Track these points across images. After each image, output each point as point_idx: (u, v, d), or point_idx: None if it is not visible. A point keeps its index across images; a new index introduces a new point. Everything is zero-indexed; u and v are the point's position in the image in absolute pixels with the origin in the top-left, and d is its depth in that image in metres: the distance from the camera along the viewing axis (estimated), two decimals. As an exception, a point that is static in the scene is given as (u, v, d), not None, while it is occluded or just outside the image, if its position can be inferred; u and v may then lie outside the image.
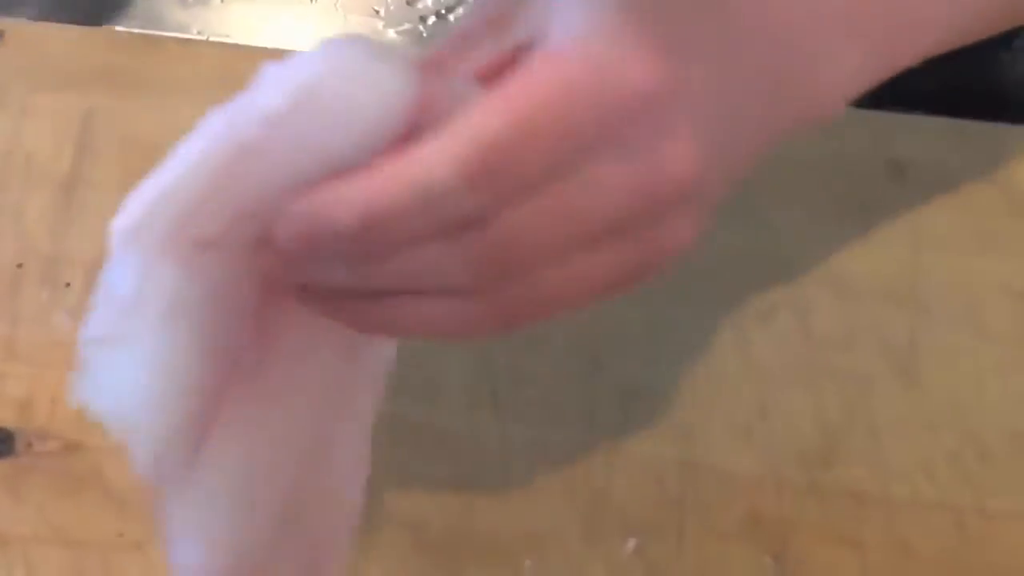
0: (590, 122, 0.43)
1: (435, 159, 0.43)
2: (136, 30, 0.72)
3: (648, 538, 0.59)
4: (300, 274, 0.47)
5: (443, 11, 0.77)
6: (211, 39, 0.72)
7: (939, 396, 0.62)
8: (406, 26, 0.78)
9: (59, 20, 0.73)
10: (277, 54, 0.68)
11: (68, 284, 0.65)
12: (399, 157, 0.43)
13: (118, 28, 0.72)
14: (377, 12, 0.80)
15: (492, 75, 0.46)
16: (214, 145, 0.47)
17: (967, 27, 0.56)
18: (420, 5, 0.78)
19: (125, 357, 0.47)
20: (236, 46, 0.71)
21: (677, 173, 0.45)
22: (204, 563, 0.49)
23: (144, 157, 0.67)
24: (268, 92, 0.47)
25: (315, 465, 0.52)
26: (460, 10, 0.78)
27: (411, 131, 0.44)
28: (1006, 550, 0.58)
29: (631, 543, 0.58)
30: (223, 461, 0.49)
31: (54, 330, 0.64)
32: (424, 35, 0.77)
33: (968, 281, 0.64)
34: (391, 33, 0.77)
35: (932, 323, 0.63)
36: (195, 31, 0.73)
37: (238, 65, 0.69)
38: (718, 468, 0.60)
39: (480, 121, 0.43)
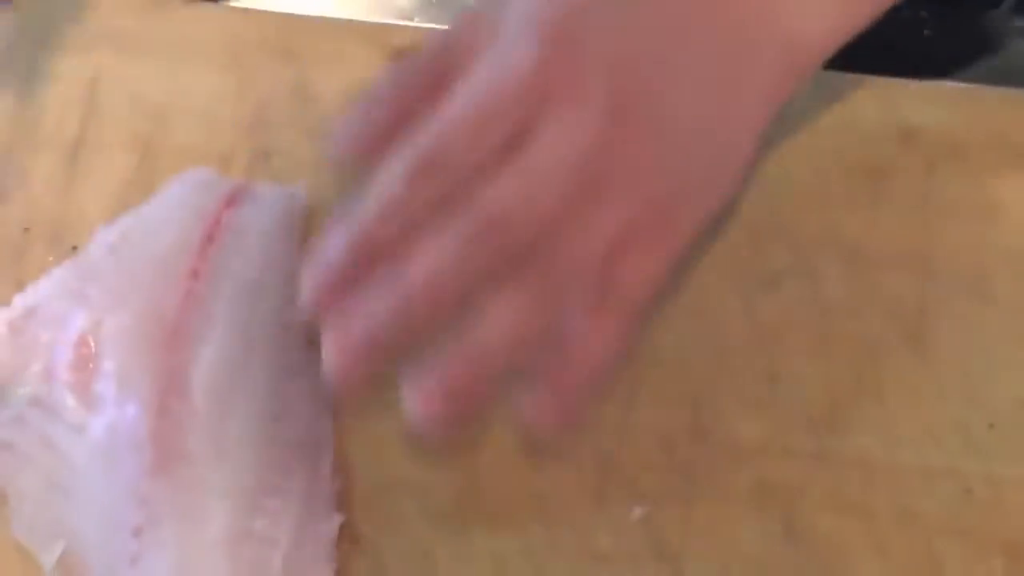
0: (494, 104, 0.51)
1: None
2: (143, -7, 0.72)
3: (656, 505, 0.59)
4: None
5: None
6: (219, 2, 0.71)
7: (948, 363, 0.62)
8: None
9: (66, -18, 0.72)
10: (284, 18, 0.68)
11: (75, 247, 0.65)
12: None
13: (125, -10, 0.71)
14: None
15: None
16: None
17: None
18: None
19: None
20: (244, 9, 0.71)
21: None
22: None
23: (151, 120, 0.67)
24: None
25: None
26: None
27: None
28: (1014, 517, 0.58)
29: (639, 510, 0.58)
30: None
31: (60, 294, 0.64)
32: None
33: (978, 248, 0.64)
34: (401, -3, 0.77)
35: (941, 290, 0.63)
36: (202, -7, 0.72)
37: (245, 28, 0.69)
38: (726, 435, 0.60)
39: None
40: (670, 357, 0.62)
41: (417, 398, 0.50)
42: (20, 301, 0.63)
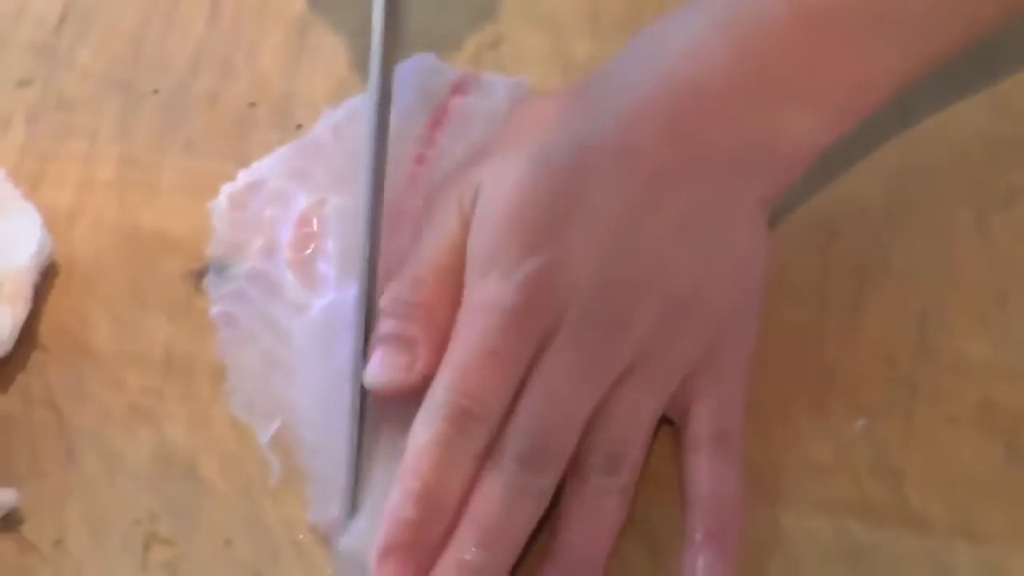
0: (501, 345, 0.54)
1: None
2: None
3: (877, 418, 0.58)
4: None
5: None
6: None
7: None
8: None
9: None
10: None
11: (299, 126, 0.65)
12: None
13: None
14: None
15: None
16: None
17: (921, 66, 0.59)
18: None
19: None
20: None
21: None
22: None
23: (380, 3, 0.67)
24: None
25: None
26: None
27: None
28: None
29: (860, 422, 0.58)
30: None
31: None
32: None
33: None
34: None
35: None
36: None
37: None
38: (952, 353, 0.59)
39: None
40: (898, 268, 0.61)
41: None
42: (243, 177, 0.63)
